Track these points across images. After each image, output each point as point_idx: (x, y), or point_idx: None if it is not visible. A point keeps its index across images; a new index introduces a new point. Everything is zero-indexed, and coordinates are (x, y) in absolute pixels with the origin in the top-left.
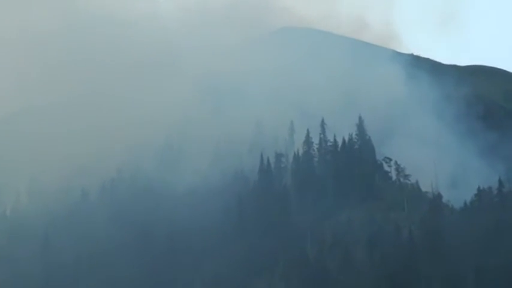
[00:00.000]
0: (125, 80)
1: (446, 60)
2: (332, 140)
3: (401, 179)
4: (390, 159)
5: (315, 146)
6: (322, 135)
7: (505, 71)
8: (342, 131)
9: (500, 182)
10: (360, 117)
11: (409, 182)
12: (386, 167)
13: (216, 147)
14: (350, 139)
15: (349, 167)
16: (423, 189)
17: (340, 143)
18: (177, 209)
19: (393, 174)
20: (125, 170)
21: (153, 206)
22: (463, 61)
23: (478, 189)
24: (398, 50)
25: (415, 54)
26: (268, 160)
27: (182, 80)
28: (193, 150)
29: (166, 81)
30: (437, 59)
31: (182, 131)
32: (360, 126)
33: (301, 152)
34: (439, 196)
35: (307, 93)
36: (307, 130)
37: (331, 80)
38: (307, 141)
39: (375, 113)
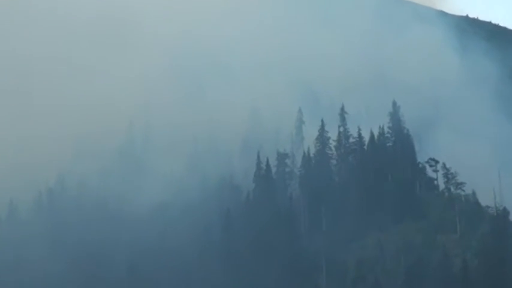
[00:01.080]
0: (65, 58)
1: None
2: (356, 134)
3: (452, 189)
4: (436, 161)
5: (332, 143)
6: (342, 128)
7: None
8: (370, 121)
9: None
10: (394, 103)
11: (463, 193)
12: (430, 172)
13: (194, 147)
14: (381, 133)
15: (380, 172)
16: (482, 202)
17: (367, 138)
18: (142, 231)
19: (440, 182)
20: (68, 178)
21: (107, 226)
22: None
23: None
24: (446, 11)
25: (470, 16)
26: (267, 163)
27: (146, 55)
28: (163, 151)
29: (123, 57)
30: (501, 23)
31: (146, 125)
32: (395, 115)
33: (313, 151)
34: (504, 212)
35: (320, 70)
36: (322, 121)
37: (354, 51)
38: (322, 137)
39: (415, 97)
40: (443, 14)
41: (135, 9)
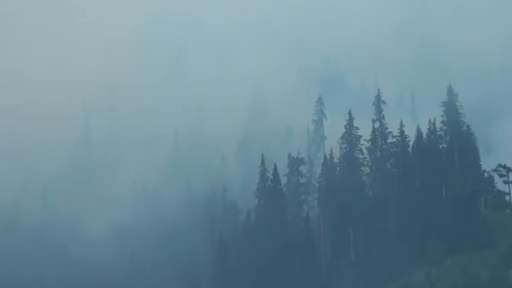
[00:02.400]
0: None
1: None
2: (397, 131)
3: None
4: (509, 169)
5: (364, 144)
6: (377, 123)
7: None
8: (416, 114)
9: None
10: (449, 89)
11: None
12: (500, 184)
13: (174, 149)
14: (431, 130)
15: (430, 183)
16: None
17: (412, 137)
18: (98, 269)
19: None
20: None
21: (50, 264)
22: None
23: None
24: None
25: None
26: (275, 170)
27: (103, 25)
28: (130, 157)
29: (69, 27)
30: None
31: (107, 121)
32: (450, 105)
33: (337, 155)
34: None
35: (346, 43)
36: (349, 113)
37: (393, 16)
38: (349, 135)
39: (478, 81)
40: None
41: None
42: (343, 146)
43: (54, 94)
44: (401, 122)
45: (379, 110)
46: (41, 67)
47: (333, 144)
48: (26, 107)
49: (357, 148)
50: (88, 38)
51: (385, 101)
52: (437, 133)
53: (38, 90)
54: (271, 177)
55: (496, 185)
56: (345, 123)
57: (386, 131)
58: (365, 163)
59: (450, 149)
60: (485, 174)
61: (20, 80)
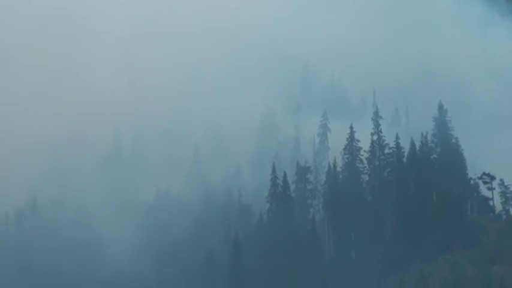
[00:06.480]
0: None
1: None
2: (393, 143)
3: None
4: (492, 177)
5: (364, 155)
6: (375, 136)
7: None
8: (410, 128)
9: None
10: (440, 105)
11: None
12: (485, 191)
13: (193, 157)
14: (423, 143)
15: (423, 190)
16: None
17: (406, 149)
18: (127, 264)
19: (497, 203)
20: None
21: (88, 258)
22: None
23: None
24: None
25: None
26: (284, 178)
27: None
28: (155, 163)
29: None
30: None
31: (136, 132)
32: (441, 118)
33: (340, 164)
34: None
35: (348, 61)
36: (351, 127)
37: (387, 33)
38: (351, 146)
39: (467, 95)
40: None
41: None
42: (345, 156)
43: (94, 109)
44: (397, 135)
45: (377, 125)
46: (72, 86)
47: (336, 154)
48: (60, 124)
49: (358, 158)
50: (113, 56)
51: (383, 116)
52: (429, 145)
53: (70, 108)
54: (281, 183)
55: (480, 191)
56: (347, 136)
57: (384, 143)
58: (365, 172)
59: (440, 159)
60: (472, 182)
61: (53, 97)
